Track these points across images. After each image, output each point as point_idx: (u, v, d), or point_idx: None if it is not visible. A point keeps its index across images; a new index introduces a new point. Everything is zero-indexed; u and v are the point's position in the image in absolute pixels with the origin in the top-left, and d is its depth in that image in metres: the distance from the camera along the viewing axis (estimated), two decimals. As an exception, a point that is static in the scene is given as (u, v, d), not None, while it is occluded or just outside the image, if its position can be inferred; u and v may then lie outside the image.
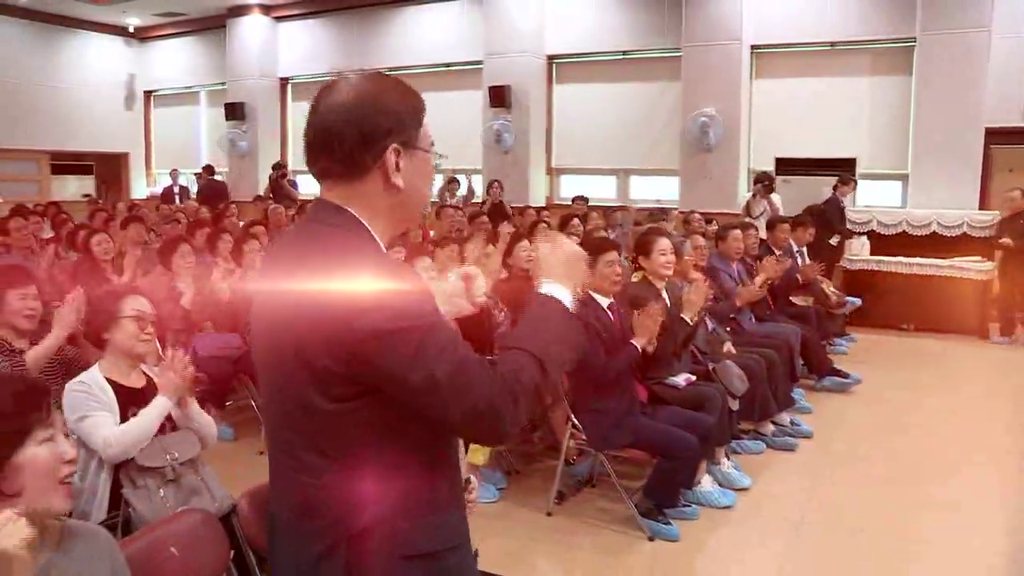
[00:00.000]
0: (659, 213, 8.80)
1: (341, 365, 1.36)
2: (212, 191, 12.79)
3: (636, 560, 3.63)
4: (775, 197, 9.26)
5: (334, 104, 1.46)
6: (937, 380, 6.71)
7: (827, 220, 8.64)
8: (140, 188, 16.48)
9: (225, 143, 14.42)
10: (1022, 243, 7.96)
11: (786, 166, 9.94)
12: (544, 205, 11.49)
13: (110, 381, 2.79)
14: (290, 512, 1.51)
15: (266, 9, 14.17)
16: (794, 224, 7.31)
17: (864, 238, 9.02)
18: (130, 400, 2.77)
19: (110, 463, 2.65)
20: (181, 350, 2.97)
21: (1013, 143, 9.22)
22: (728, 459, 4.47)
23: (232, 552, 2.13)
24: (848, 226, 8.98)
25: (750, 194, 9.52)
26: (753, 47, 10.48)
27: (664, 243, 4.46)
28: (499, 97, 11.66)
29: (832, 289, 7.38)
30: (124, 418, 2.72)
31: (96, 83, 15.65)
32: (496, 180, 11.09)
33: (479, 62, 12.04)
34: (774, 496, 4.32)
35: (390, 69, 11.66)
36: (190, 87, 15.93)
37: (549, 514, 4.08)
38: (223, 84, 14.87)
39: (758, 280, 5.71)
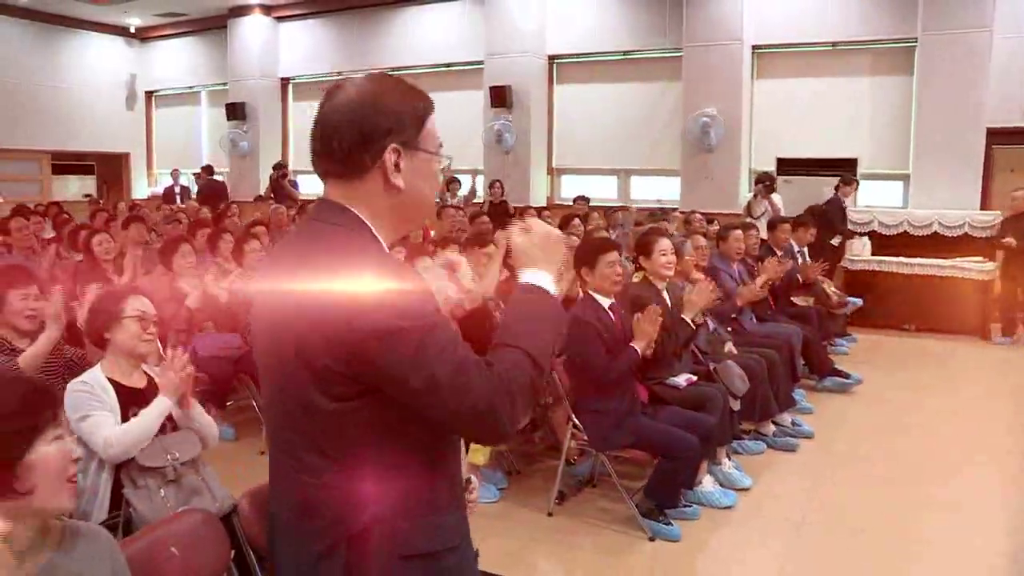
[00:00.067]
0: (660, 213, 8.80)
1: (341, 364, 1.36)
2: (212, 191, 12.81)
3: (637, 560, 3.63)
4: (776, 197, 9.26)
5: (336, 105, 1.47)
6: (938, 380, 6.71)
7: (829, 220, 8.64)
8: (141, 188, 16.50)
9: (226, 143, 14.42)
10: (1025, 243, 7.96)
11: (787, 166, 9.95)
12: (545, 205, 11.49)
13: (112, 381, 2.79)
14: (290, 512, 1.51)
15: (267, 9, 14.17)
16: (795, 224, 7.30)
17: (865, 238, 9.02)
18: (131, 400, 2.77)
19: (111, 463, 2.65)
20: (181, 349, 2.97)
21: (1014, 143, 9.21)
22: (729, 459, 4.47)
23: (233, 552, 2.13)
24: (849, 226, 8.98)
25: (751, 194, 9.52)
26: (754, 47, 10.47)
27: (665, 243, 4.46)
28: (500, 97, 11.66)
29: (833, 289, 7.38)
30: (125, 418, 2.72)
31: (97, 83, 15.66)
32: (497, 180, 11.09)
33: (480, 62, 12.04)
34: (775, 496, 4.32)
35: (391, 69, 11.66)
36: (191, 87, 15.94)
37: (550, 514, 4.07)
38: (224, 84, 14.87)
39: (759, 281, 5.71)
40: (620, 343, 3.88)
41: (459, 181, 11.23)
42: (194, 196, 13.02)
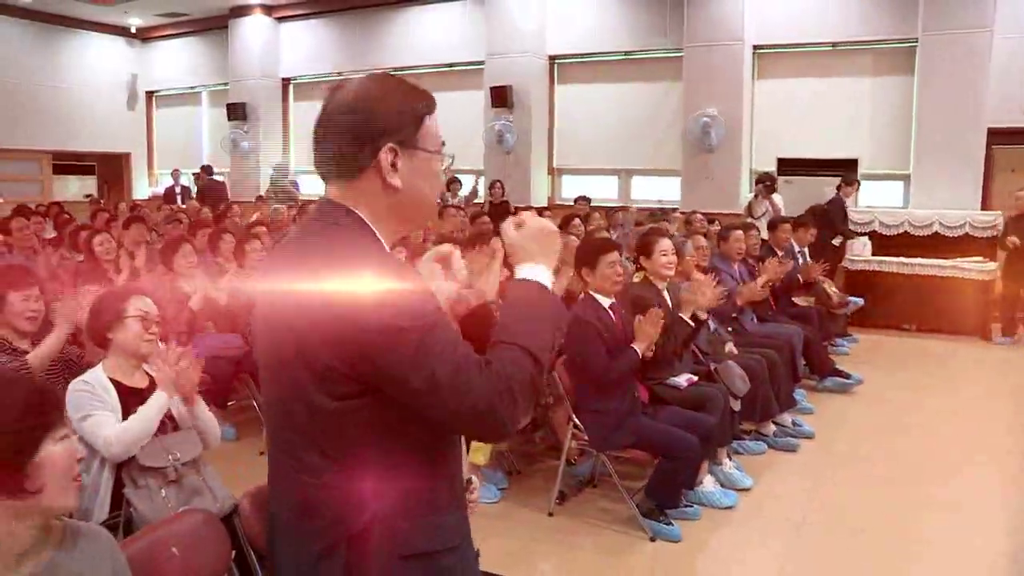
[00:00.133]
0: (660, 213, 8.80)
1: (342, 364, 1.37)
2: (212, 191, 12.81)
3: (637, 560, 3.63)
4: (777, 197, 9.26)
5: (334, 105, 1.48)
6: (939, 381, 6.71)
7: (830, 220, 8.64)
8: (142, 188, 16.51)
9: (227, 143, 14.43)
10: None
11: (788, 166, 9.94)
12: (546, 205, 11.50)
13: (113, 381, 2.79)
14: (290, 512, 1.51)
15: (268, 9, 14.18)
16: (796, 225, 7.30)
17: (866, 238, 9.01)
18: (133, 400, 2.77)
19: (112, 462, 2.65)
20: (175, 343, 2.97)
21: (1015, 143, 9.21)
22: (730, 459, 4.47)
23: (234, 552, 2.13)
24: (850, 226, 8.97)
25: (752, 194, 9.51)
26: (755, 47, 10.48)
27: (666, 243, 4.46)
28: (501, 97, 11.66)
29: (834, 289, 7.38)
30: (127, 418, 2.72)
31: (98, 83, 15.68)
32: (498, 180, 11.09)
33: (481, 62, 12.04)
34: (776, 496, 4.32)
35: (392, 69, 11.65)
36: (192, 87, 15.96)
37: (550, 514, 4.08)
38: (225, 84, 14.88)
39: (759, 281, 5.71)
40: (620, 343, 3.88)
41: (460, 181, 11.23)
42: (194, 196, 13.02)
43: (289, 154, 14.50)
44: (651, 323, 3.84)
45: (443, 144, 1.55)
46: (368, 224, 1.48)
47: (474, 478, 1.89)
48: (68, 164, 15.63)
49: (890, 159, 9.89)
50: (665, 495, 3.88)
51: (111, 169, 16.29)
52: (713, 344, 5.01)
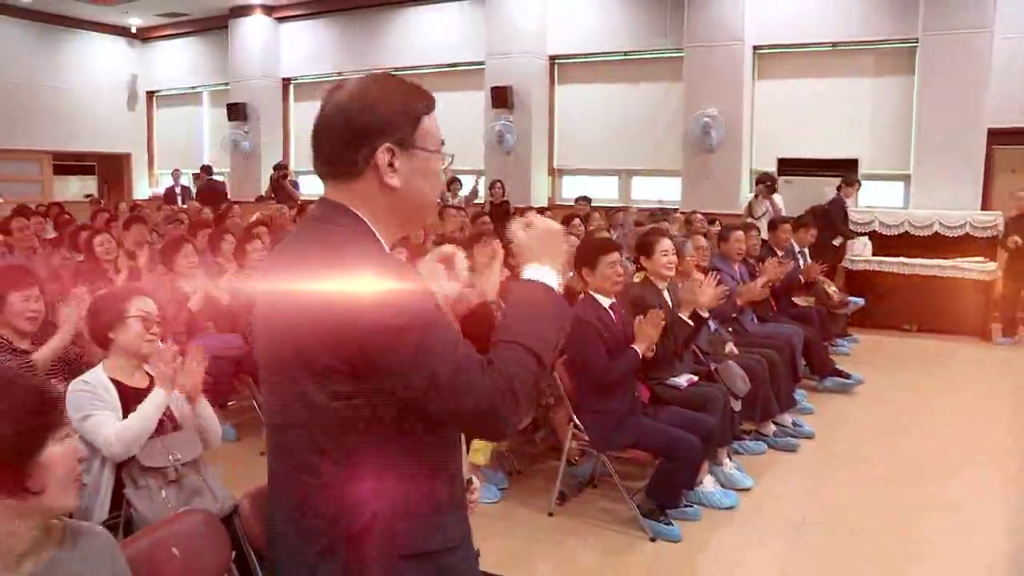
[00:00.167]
0: (661, 213, 8.80)
1: (342, 364, 1.37)
2: (211, 191, 12.80)
3: (638, 560, 3.64)
4: (777, 198, 9.26)
5: (332, 106, 1.48)
6: (939, 381, 6.71)
7: (831, 220, 8.64)
8: (142, 188, 16.51)
9: (227, 143, 14.43)
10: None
11: (788, 167, 9.94)
12: (546, 206, 11.50)
13: (114, 381, 2.79)
14: (290, 511, 1.51)
15: (268, 10, 14.18)
16: (796, 225, 7.30)
17: (866, 239, 9.02)
18: (134, 400, 2.77)
19: (113, 461, 2.66)
20: (172, 343, 2.97)
21: (1015, 143, 9.20)
22: (730, 460, 4.47)
23: (234, 553, 2.13)
24: (850, 227, 8.98)
25: (752, 195, 9.51)
26: (755, 48, 10.47)
27: (666, 243, 4.46)
28: (501, 97, 11.66)
29: (834, 289, 7.38)
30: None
31: (98, 83, 15.68)
32: (498, 180, 11.09)
33: (481, 63, 12.05)
34: (776, 497, 4.32)
35: (392, 70, 11.63)
36: (192, 87, 15.96)
37: (551, 514, 4.08)
38: (225, 84, 14.88)
39: (759, 281, 5.71)
40: (621, 343, 3.88)
41: (460, 181, 11.23)
42: (195, 197, 13.02)
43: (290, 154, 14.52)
44: (651, 324, 3.84)
45: (443, 143, 1.55)
46: (367, 224, 1.48)
47: (474, 478, 1.89)
48: (68, 164, 15.62)
49: (890, 159, 9.89)
50: (665, 495, 3.88)
51: (111, 169, 16.29)
52: (713, 344, 5.01)
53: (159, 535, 2.03)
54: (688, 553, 3.70)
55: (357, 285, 1.35)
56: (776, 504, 4.22)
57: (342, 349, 1.36)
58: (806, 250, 7.43)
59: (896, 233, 9.02)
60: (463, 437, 1.65)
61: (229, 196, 13.18)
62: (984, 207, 9.06)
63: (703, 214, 8.47)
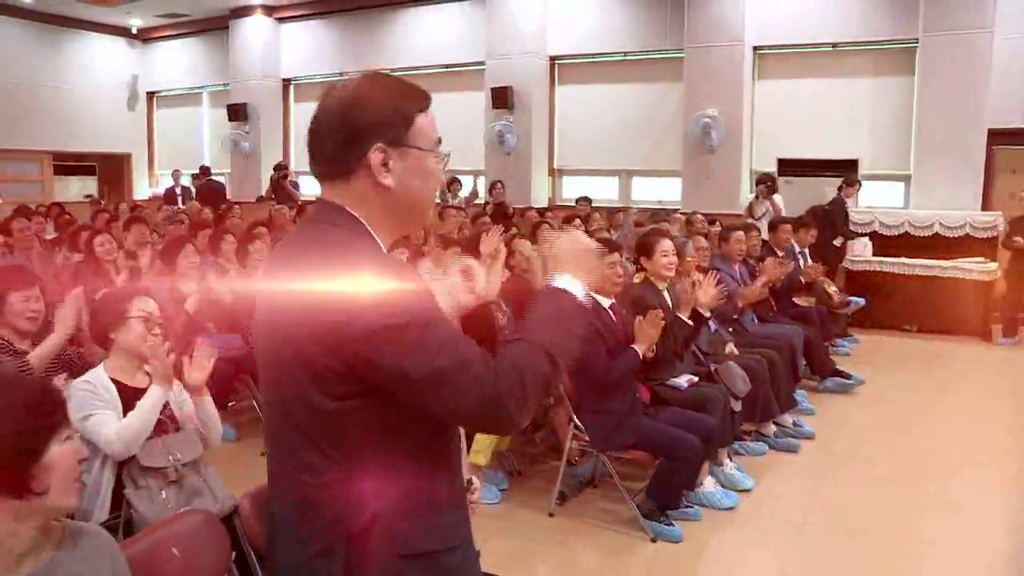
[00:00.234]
0: (662, 213, 8.80)
1: (341, 364, 1.37)
2: (210, 192, 12.80)
3: (638, 561, 3.64)
4: (778, 198, 9.26)
5: (325, 107, 1.49)
6: (939, 381, 6.71)
7: (831, 221, 8.64)
8: (143, 189, 16.52)
9: (228, 144, 14.43)
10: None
11: (788, 167, 9.93)
12: (547, 206, 11.49)
13: (115, 381, 2.80)
14: (290, 511, 1.51)
15: (269, 10, 14.18)
16: (796, 225, 7.30)
17: (866, 239, 9.02)
18: (134, 400, 2.77)
19: (115, 460, 2.66)
20: (171, 342, 2.97)
21: (1015, 144, 9.20)
22: (730, 460, 4.47)
23: (234, 553, 2.13)
24: (851, 227, 8.98)
25: (753, 195, 9.51)
26: (755, 48, 10.47)
27: (667, 244, 4.46)
28: (501, 98, 11.66)
29: (834, 289, 7.38)
30: (127, 418, 2.73)
31: (99, 84, 15.68)
32: (498, 181, 11.09)
33: (481, 63, 12.04)
34: (776, 497, 4.32)
35: (392, 70, 11.66)
36: (193, 88, 15.95)
37: (551, 515, 4.08)
38: (226, 85, 14.88)
39: (759, 281, 5.71)
40: (621, 344, 3.88)
41: (460, 182, 11.24)
42: (194, 197, 13.02)
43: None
44: (651, 324, 3.84)
45: (439, 142, 1.54)
46: (364, 224, 1.48)
47: (475, 479, 1.89)
48: (69, 165, 15.62)
49: (890, 160, 9.88)
50: (666, 496, 3.88)
51: (112, 170, 16.29)
52: (714, 345, 5.01)
53: (159, 535, 2.04)
54: (688, 554, 3.70)
55: (354, 285, 1.35)
56: (777, 505, 4.22)
57: (341, 350, 1.36)
58: (806, 250, 7.43)
59: (896, 233, 9.02)
60: (463, 437, 1.65)
61: (229, 197, 13.19)
62: (984, 208, 9.05)
63: (703, 214, 8.45)
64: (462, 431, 1.68)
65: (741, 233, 6.04)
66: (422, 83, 1.57)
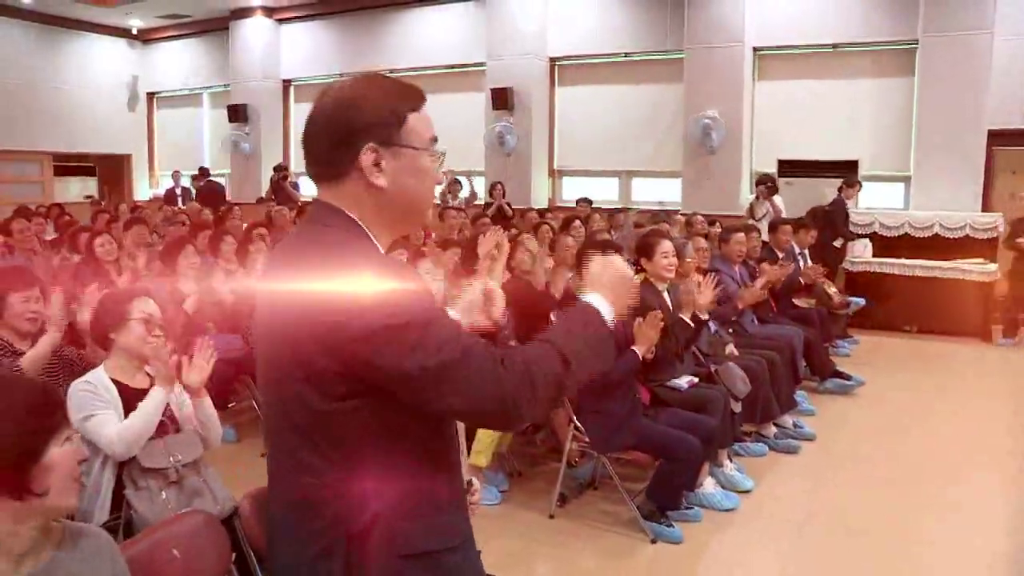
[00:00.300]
0: (661, 215, 8.80)
1: (340, 364, 1.37)
2: (210, 193, 12.81)
3: (638, 562, 3.63)
4: (778, 199, 9.26)
5: (318, 109, 1.49)
6: (939, 382, 6.70)
7: (831, 222, 8.64)
8: (143, 190, 16.52)
9: (228, 145, 14.44)
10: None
11: (788, 168, 9.94)
12: (547, 207, 11.49)
13: (115, 382, 2.80)
14: (289, 512, 1.51)
15: (269, 11, 14.18)
16: (796, 226, 7.30)
17: (866, 240, 9.02)
18: (135, 401, 2.77)
19: (115, 461, 2.66)
20: (171, 344, 2.97)
21: (1015, 145, 9.20)
22: (731, 461, 4.47)
23: (234, 554, 2.13)
24: (851, 228, 8.98)
25: (753, 196, 9.52)
26: (755, 49, 10.47)
27: (667, 245, 4.45)
28: (501, 99, 11.66)
29: (834, 290, 7.38)
30: (128, 419, 2.73)
31: (99, 85, 15.68)
32: (498, 182, 11.09)
33: (481, 64, 12.05)
34: (777, 498, 4.32)
35: (392, 71, 11.67)
36: (193, 89, 15.96)
37: (551, 516, 4.07)
38: (226, 86, 14.89)
39: (758, 282, 5.71)
40: (620, 344, 3.88)
41: (461, 183, 11.24)
42: (194, 198, 13.02)
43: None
44: (651, 326, 3.84)
45: (435, 140, 1.54)
46: (360, 225, 1.48)
47: (475, 480, 1.89)
48: (69, 165, 15.62)
49: (890, 161, 9.89)
50: (666, 497, 3.88)
51: (112, 170, 16.29)
52: (714, 346, 5.01)
53: (159, 536, 2.03)
54: (689, 555, 3.70)
55: (352, 286, 1.35)
56: (777, 505, 4.22)
57: (340, 350, 1.36)
58: (806, 251, 7.43)
59: (896, 234, 9.02)
60: (463, 438, 1.65)
61: (229, 198, 13.19)
62: (984, 208, 9.06)
63: (703, 215, 8.46)
64: (461, 432, 1.68)
65: (741, 234, 6.04)
66: (422, 84, 1.57)
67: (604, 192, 11.61)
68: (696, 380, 4.35)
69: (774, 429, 5.13)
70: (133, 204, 12.68)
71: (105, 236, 5.82)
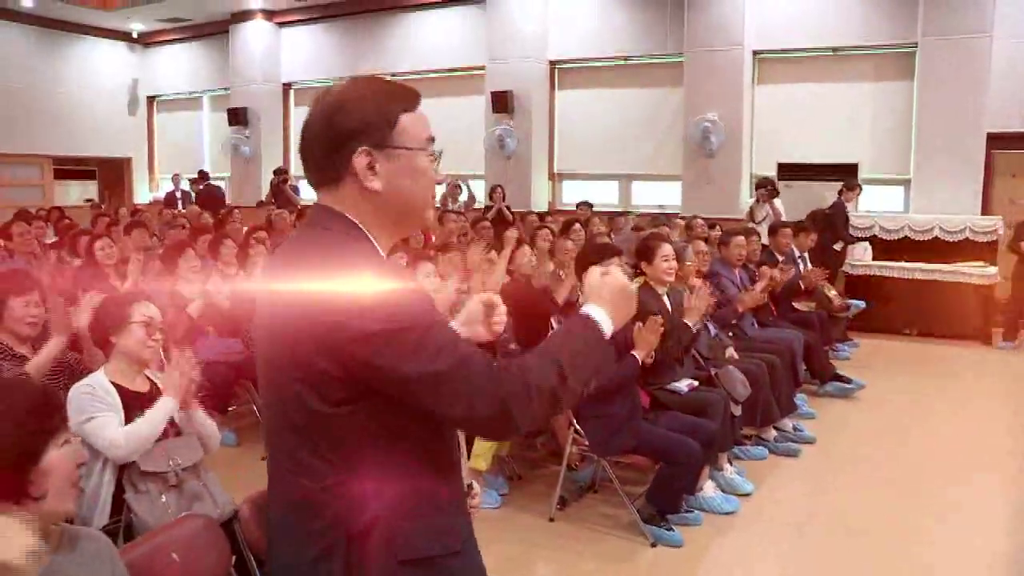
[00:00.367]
0: (661, 218, 8.80)
1: (339, 367, 1.36)
2: (209, 196, 12.81)
3: (639, 566, 3.63)
4: (778, 202, 9.26)
5: (313, 113, 1.49)
6: (940, 385, 6.70)
7: (832, 225, 8.65)
8: (143, 193, 16.53)
9: (228, 148, 14.45)
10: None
11: (788, 171, 9.94)
12: (547, 210, 11.49)
13: (115, 385, 2.80)
14: (288, 513, 1.50)
15: (269, 15, 14.20)
16: (796, 230, 7.30)
17: (866, 243, 9.02)
18: (135, 404, 2.77)
19: (115, 464, 2.66)
20: (188, 351, 2.97)
21: (1015, 148, 9.20)
22: (731, 465, 4.47)
23: (234, 558, 2.13)
24: (851, 231, 8.98)
25: (753, 199, 9.52)
26: (755, 52, 10.48)
27: (667, 249, 4.45)
28: (501, 102, 11.67)
29: (834, 293, 7.38)
30: (128, 421, 2.72)
31: (99, 88, 15.69)
32: (499, 185, 11.09)
33: (481, 67, 12.06)
34: (777, 501, 4.31)
35: (392, 75, 11.67)
36: (193, 92, 15.97)
37: (551, 520, 4.07)
38: (226, 89, 14.90)
39: (758, 286, 5.71)
40: (620, 349, 3.87)
41: (461, 187, 11.25)
42: (194, 201, 13.02)
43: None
44: (650, 330, 3.83)
45: (431, 140, 1.53)
46: (360, 227, 1.48)
47: (475, 483, 1.89)
48: (69, 169, 15.62)
49: (890, 164, 9.89)
50: (666, 500, 3.87)
51: (112, 174, 16.30)
52: (714, 349, 5.01)
53: (159, 540, 2.03)
54: (689, 558, 3.69)
55: (351, 289, 1.35)
56: (777, 509, 4.22)
57: (339, 352, 1.36)
58: (806, 255, 7.43)
59: (896, 238, 9.02)
60: (463, 440, 1.65)
61: (228, 201, 13.18)
62: (984, 211, 9.06)
63: (703, 219, 8.46)
64: (461, 435, 1.67)
65: (741, 238, 6.04)
66: (422, 87, 1.56)
67: (604, 195, 11.60)
68: (696, 384, 4.35)
69: (774, 432, 5.12)
70: (133, 207, 12.68)
71: (105, 240, 5.82)
